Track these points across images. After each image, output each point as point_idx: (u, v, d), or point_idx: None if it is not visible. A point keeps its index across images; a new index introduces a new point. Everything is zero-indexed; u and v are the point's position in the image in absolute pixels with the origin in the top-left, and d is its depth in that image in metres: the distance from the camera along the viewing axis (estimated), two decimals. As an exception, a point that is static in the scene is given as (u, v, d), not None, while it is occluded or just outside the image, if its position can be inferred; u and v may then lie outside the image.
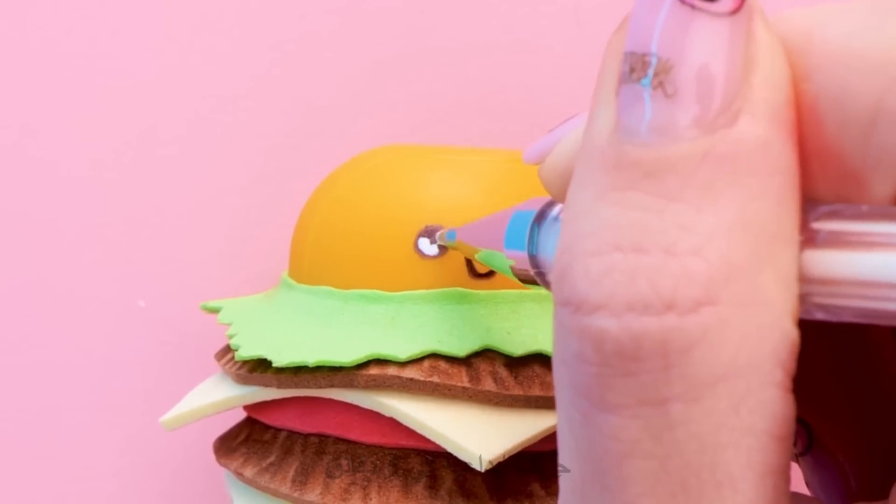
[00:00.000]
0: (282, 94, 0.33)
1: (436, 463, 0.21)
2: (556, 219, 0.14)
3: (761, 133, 0.09)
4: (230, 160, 0.33)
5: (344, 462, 0.21)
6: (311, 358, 0.21)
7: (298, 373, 0.21)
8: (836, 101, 0.10)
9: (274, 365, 0.21)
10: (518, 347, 0.21)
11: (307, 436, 0.22)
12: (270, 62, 0.33)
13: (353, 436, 0.21)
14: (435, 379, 0.20)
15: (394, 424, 0.21)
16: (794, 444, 0.14)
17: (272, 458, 0.22)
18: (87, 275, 0.33)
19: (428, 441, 0.20)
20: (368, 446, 0.21)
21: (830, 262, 0.09)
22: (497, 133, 0.33)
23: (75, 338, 0.33)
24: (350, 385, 0.21)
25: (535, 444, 0.20)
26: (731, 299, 0.09)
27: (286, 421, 0.23)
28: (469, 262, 0.21)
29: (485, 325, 0.21)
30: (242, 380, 0.22)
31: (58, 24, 0.32)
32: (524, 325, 0.21)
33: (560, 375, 0.10)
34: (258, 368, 0.22)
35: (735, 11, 0.10)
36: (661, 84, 0.09)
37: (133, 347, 0.33)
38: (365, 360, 0.20)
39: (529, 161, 0.14)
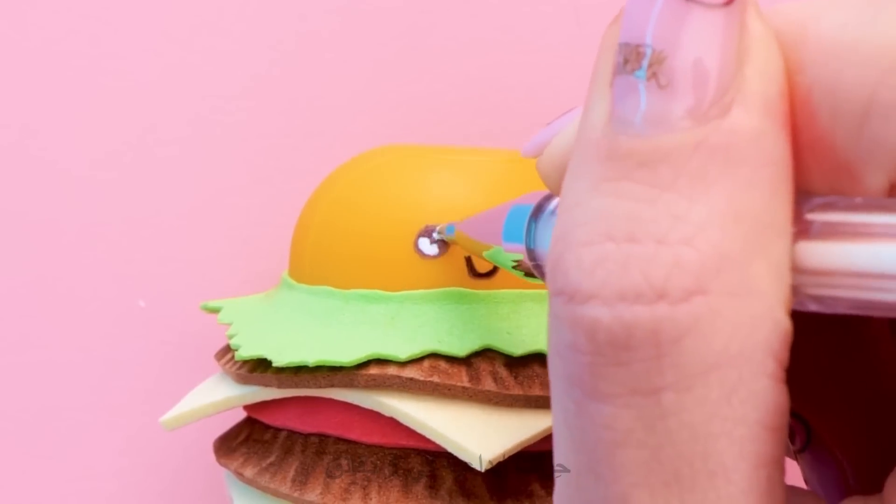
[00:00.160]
0: (282, 94, 0.33)
1: (436, 463, 0.21)
2: (553, 212, 0.14)
3: (754, 124, 0.09)
4: (230, 160, 0.33)
5: (344, 462, 0.21)
6: (311, 358, 0.21)
7: (298, 373, 0.21)
8: (829, 93, 0.10)
9: (274, 365, 0.21)
10: (518, 347, 0.21)
11: (307, 436, 0.22)
12: (270, 62, 0.33)
13: (353, 436, 0.21)
14: (435, 379, 0.20)
15: (394, 424, 0.21)
16: (793, 441, 0.14)
17: (272, 458, 0.22)
18: (87, 275, 0.33)
19: (428, 441, 0.20)
20: (368, 446, 0.21)
21: (824, 253, 0.09)
22: (497, 133, 0.33)
23: (75, 338, 0.33)
24: (350, 385, 0.21)
25: (535, 444, 0.20)
26: (723, 289, 0.09)
27: (286, 421, 0.23)
28: (469, 262, 0.21)
29: (485, 325, 0.21)
30: (242, 380, 0.22)
31: (58, 24, 0.32)
32: (524, 325, 0.21)
33: (554, 367, 0.10)
34: (258, 368, 0.22)
35: (729, 3, 0.10)
36: (654, 75, 0.09)
37: (133, 347, 0.33)
38: (365, 359, 0.20)
39: (528, 154, 0.14)
